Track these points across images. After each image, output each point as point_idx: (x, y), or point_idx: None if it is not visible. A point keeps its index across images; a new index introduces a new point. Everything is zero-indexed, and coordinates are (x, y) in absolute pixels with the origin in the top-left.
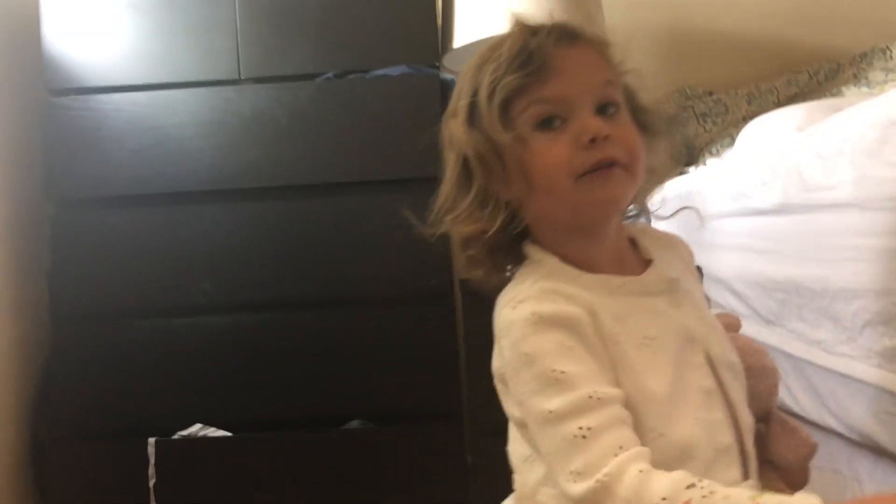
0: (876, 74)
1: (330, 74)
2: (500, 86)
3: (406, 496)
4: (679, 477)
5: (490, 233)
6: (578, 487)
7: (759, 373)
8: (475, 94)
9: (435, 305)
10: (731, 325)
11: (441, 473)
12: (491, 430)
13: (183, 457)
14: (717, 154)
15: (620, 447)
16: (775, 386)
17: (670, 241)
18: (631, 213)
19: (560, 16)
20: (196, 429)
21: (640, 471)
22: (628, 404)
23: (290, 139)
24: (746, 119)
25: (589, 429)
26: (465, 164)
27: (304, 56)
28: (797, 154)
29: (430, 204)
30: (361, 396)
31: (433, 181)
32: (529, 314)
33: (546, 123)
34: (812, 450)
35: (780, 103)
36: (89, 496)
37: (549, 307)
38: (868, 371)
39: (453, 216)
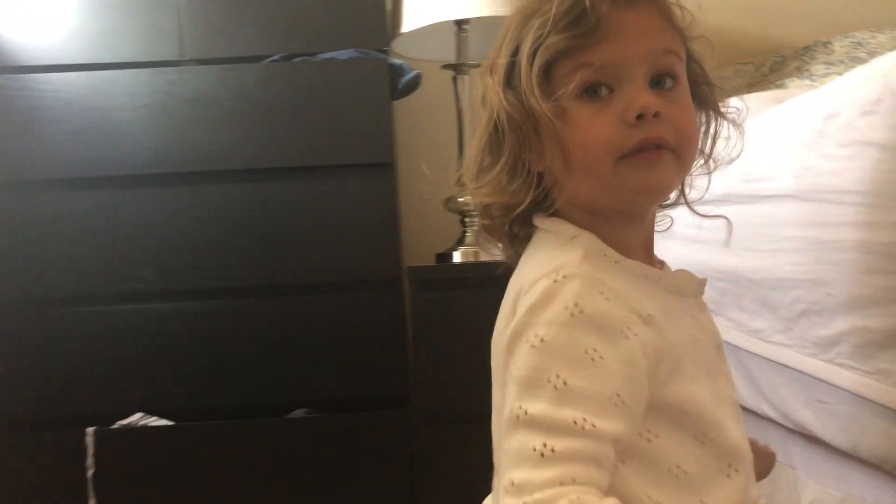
0: (818, 67)
1: (277, 57)
2: (544, 46)
3: (352, 485)
4: None
5: (519, 209)
6: (507, 501)
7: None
8: (516, 51)
9: (383, 292)
10: None
11: (387, 462)
12: (438, 418)
13: (123, 447)
14: None
15: (573, 480)
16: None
17: None
18: (668, 202)
19: None
20: (136, 418)
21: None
22: (680, 409)
23: (235, 122)
24: None
25: (552, 451)
26: (496, 129)
27: (250, 37)
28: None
29: (379, 189)
30: (307, 384)
31: (382, 167)
32: (573, 304)
33: (591, 92)
34: (771, 461)
35: (726, 94)
36: (24, 488)
37: (596, 304)
38: (802, 360)
39: (479, 182)
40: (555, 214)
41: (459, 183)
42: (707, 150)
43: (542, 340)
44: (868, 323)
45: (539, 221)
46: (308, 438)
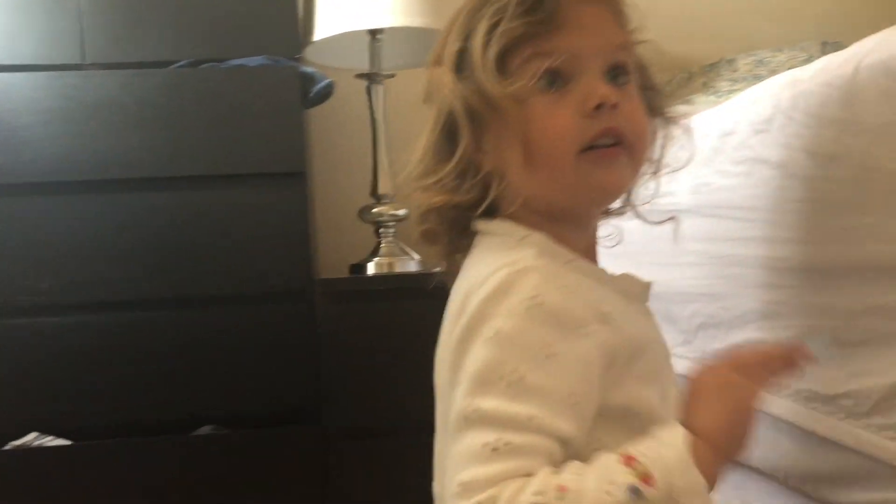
0: (723, 84)
1: (183, 63)
2: (501, 31)
3: (262, 502)
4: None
5: (468, 210)
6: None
7: None
8: (467, 38)
9: (293, 304)
10: None
11: (298, 478)
12: (350, 432)
13: (17, 469)
14: None
15: (528, 474)
16: None
17: None
18: (614, 209)
19: None
20: (31, 438)
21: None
22: (628, 409)
23: (139, 129)
24: None
25: (506, 444)
26: (449, 122)
27: (155, 42)
28: None
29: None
30: (214, 400)
31: (294, 176)
32: (532, 295)
33: (549, 81)
34: None
35: None
36: None
37: (556, 298)
38: None
39: (426, 182)
40: (498, 218)
41: (411, 184)
42: (656, 156)
43: (497, 332)
44: (762, 336)
45: (483, 226)
46: (215, 456)
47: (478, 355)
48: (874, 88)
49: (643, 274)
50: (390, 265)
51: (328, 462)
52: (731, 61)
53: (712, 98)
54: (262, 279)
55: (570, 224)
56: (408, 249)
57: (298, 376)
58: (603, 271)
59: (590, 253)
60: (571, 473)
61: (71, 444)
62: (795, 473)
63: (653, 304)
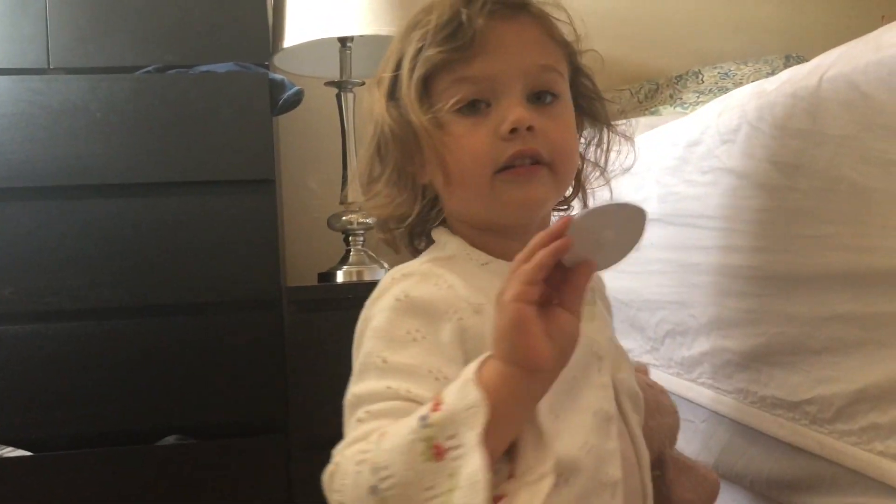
0: (689, 96)
1: (150, 68)
2: (422, 59)
3: None
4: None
5: (408, 221)
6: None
7: (654, 409)
8: (399, 65)
9: (261, 312)
10: (637, 369)
11: (264, 489)
12: (317, 443)
13: None
14: None
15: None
16: (671, 426)
17: None
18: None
19: None
20: None
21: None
22: None
23: (105, 135)
24: None
25: (367, 412)
26: (382, 141)
27: (122, 47)
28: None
29: (259, 206)
30: (179, 409)
31: (262, 183)
32: (402, 295)
33: (469, 107)
34: (714, 486)
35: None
36: None
37: (423, 291)
38: (668, 379)
39: (368, 195)
40: (444, 225)
41: (347, 198)
42: (601, 162)
43: (372, 329)
44: (727, 344)
45: (433, 233)
46: (180, 466)
47: (360, 353)
48: (836, 100)
49: (610, 280)
50: (359, 273)
51: (294, 472)
52: (697, 73)
53: (679, 109)
54: (230, 287)
55: (502, 234)
56: (377, 258)
57: (265, 385)
58: None
59: None
60: (399, 423)
61: (32, 455)
62: (761, 479)
63: (620, 312)
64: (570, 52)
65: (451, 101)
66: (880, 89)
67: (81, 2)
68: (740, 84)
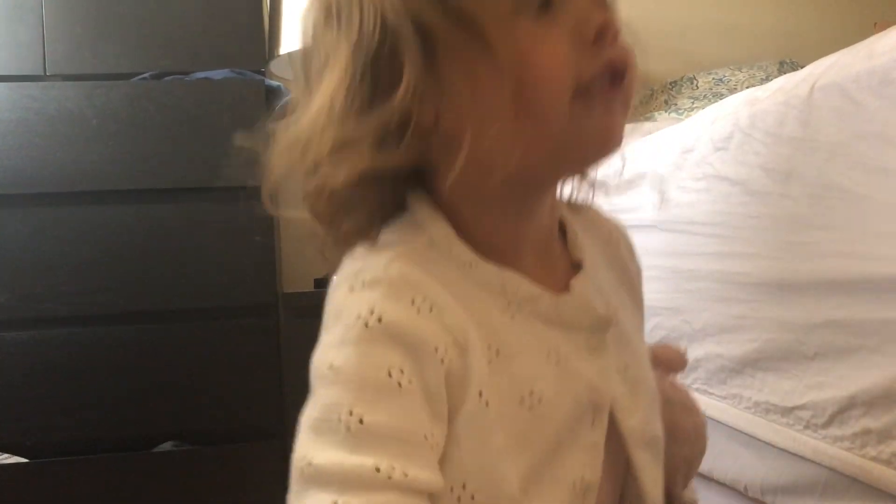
0: (684, 102)
1: (147, 75)
2: None
3: None
4: None
5: (389, 177)
6: None
7: (682, 438)
8: None
9: (257, 318)
10: (673, 361)
11: (260, 495)
12: None
13: None
14: None
15: None
16: (688, 458)
17: (610, 234)
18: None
19: None
20: None
21: None
22: (465, 485)
23: (101, 141)
24: None
25: None
26: (375, 57)
27: (118, 54)
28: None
29: (254, 212)
30: (176, 416)
31: (258, 189)
32: (368, 312)
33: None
34: (699, 418)
35: None
36: None
37: (400, 315)
38: None
39: (339, 138)
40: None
41: (298, 151)
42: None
43: (330, 367)
44: (722, 350)
45: (411, 199)
46: (177, 472)
47: (315, 401)
48: (828, 108)
49: None
50: None
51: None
52: (691, 79)
53: (674, 115)
54: (226, 293)
55: (516, 208)
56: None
57: (262, 391)
58: (525, 285)
59: (543, 251)
60: None
61: (28, 462)
62: (755, 484)
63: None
64: None
65: None
66: (872, 97)
67: (78, 9)
68: (735, 90)
